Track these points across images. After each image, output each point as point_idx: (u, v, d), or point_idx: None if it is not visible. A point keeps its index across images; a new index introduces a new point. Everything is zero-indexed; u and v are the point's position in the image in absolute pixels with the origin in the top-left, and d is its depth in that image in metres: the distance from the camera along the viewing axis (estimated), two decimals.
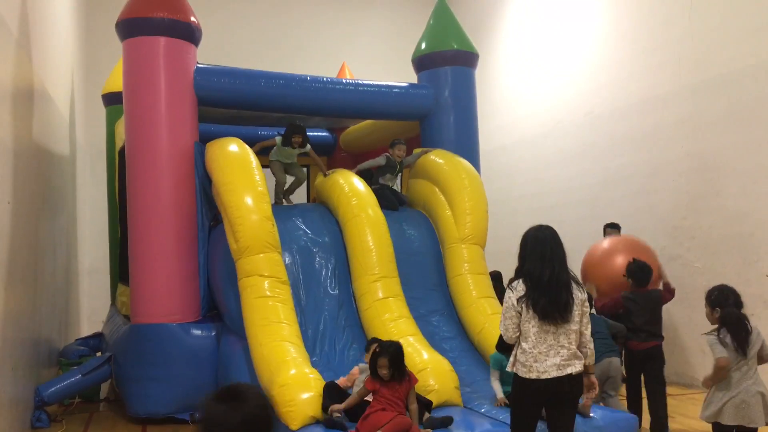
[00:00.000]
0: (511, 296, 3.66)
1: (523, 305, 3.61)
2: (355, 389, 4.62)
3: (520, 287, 3.66)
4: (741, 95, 6.61)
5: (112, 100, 8.71)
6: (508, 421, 4.16)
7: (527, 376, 3.58)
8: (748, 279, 6.35)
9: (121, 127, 7.07)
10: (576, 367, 3.60)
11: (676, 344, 7.20)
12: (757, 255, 6.39)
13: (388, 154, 7.03)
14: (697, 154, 7.10)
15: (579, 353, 3.66)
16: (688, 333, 6.77)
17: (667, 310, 7.29)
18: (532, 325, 3.61)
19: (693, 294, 6.89)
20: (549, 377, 3.55)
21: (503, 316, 3.71)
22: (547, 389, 3.58)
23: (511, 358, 3.71)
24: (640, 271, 5.52)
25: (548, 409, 3.71)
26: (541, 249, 3.68)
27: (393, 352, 4.29)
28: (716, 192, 6.88)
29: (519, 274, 3.74)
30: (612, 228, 7.45)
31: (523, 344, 3.62)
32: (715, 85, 6.90)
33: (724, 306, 4.14)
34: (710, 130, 6.95)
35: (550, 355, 3.57)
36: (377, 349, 4.37)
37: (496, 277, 6.85)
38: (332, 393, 4.58)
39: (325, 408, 4.45)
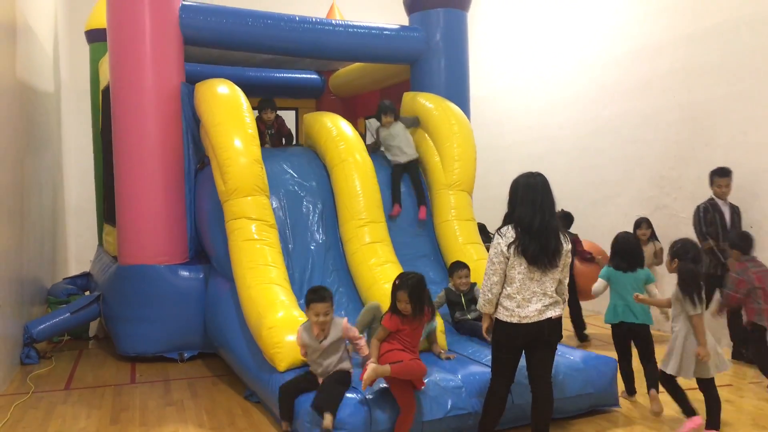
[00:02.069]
0: (500, 242, 3.71)
1: (512, 251, 3.66)
2: (364, 344, 4.28)
3: (509, 233, 3.71)
4: (735, 45, 6.54)
5: (95, 37, 8.51)
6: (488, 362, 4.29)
7: (509, 320, 3.68)
8: None
9: (105, 66, 6.93)
10: (555, 312, 3.72)
11: (661, 293, 7.32)
12: (742, 206, 6.44)
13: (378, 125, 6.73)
14: (688, 105, 7.07)
15: (559, 299, 3.75)
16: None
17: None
18: (518, 272, 3.68)
19: None
20: (530, 322, 3.66)
21: (490, 261, 3.76)
22: (528, 333, 3.69)
23: (488, 297, 3.78)
24: (744, 239, 5.37)
25: (527, 351, 3.82)
26: (532, 196, 3.72)
27: (413, 284, 3.88)
28: (705, 143, 6.88)
29: (508, 220, 3.79)
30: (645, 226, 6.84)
31: (508, 289, 3.70)
32: (710, 34, 6.82)
33: (683, 259, 4.23)
34: (702, 80, 6.91)
35: (533, 301, 3.68)
36: (397, 282, 3.94)
37: (480, 229, 6.83)
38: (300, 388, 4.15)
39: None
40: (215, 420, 4.62)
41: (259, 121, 6.87)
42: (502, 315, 3.72)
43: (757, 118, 6.33)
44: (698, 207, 6.30)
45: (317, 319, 4.05)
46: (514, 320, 3.67)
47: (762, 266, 5.24)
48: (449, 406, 4.12)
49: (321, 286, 4.25)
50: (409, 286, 3.87)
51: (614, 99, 8.08)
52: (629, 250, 4.94)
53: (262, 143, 6.48)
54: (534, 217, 3.67)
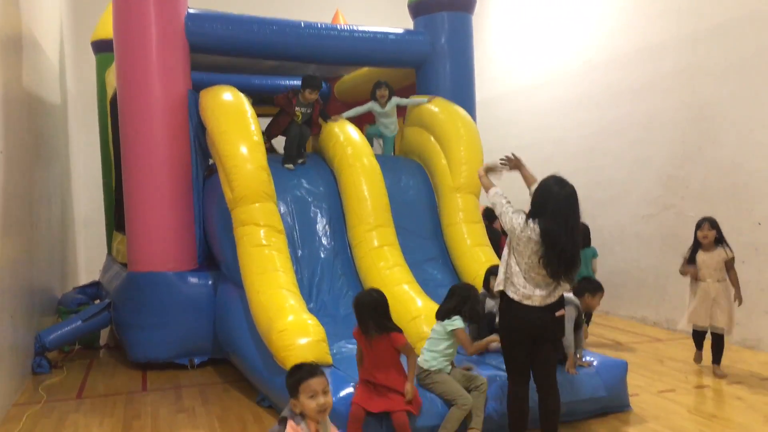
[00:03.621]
0: (519, 212, 3.80)
1: (525, 241, 3.69)
2: None
3: (532, 225, 3.68)
4: (739, 45, 6.53)
5: (102, 47, 8.56)
6: (502, 366, 4.28)
7: (515, 298, 3.74)
8: (740, 227, 6.40)
9: (112, 75, 6.97)
10: (559, 300, 3.79)
11: (666, 291, 7.31)
12: (750, 204, 6.43)
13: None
14: (694, 104, 7.06)
15: (562, 288, 3.81)
16: (680, 280, 6.84)
17: (660, 257, 7.40)
18: (524, 262, 3.73)
19: (687, 242, 6.95)
20: (534, 305, 3.72)
21: (501, 204, 3.92)
22: (534, 321, 3.73)
23: (500, 276, 3.85)
24: None
25: (532, 349, 3.82)
26: (564, 209, 3.67)
27: (359, 302, 3.93)
28: (712, 142, 6.87)
29: (530, 217, 3.76)
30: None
31: (515, 267, 3.76)
32: (714, 34, 6.81)
33: None
34: (708, 79, 6.90)
35: (536, 290, 3.73)
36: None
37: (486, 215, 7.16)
38: None
39: None
40: (227, 426, 4.62)
41: (292, 97, 6.55)
42: (510, 292, 3.76)
43: (763, 116, 6.31)
44: None
45: (315, 402, 2.81)
46: (518, 298, 3.72)
47: None
48: None
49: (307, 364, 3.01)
50: (356, 304, 3.94)
51: (620, 100, 8.07)
52: None
53: (285, 123, 6.56)
54: (561, 234, 3.62)
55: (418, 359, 4.24)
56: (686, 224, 7.10)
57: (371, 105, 7.03)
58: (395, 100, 7.03)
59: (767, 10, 6.28)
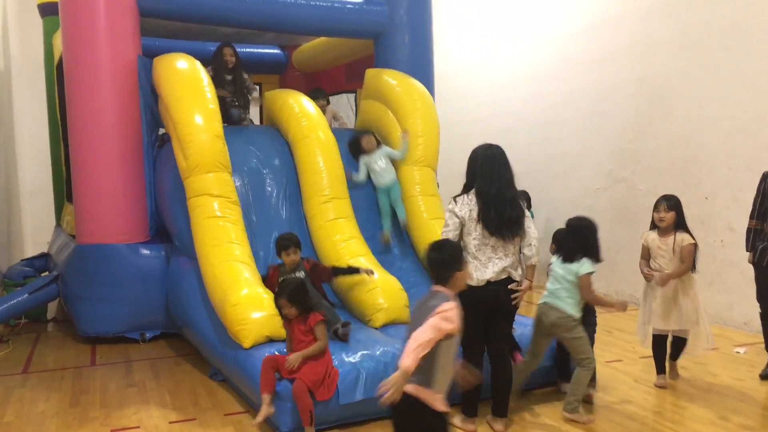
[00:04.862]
0: (454, 206, 3.88)
1: (468, 216, 3.80)
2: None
3: (465, 200, 3.84)
4: (693, 19, 6.63)
5: (48, 10, 8.22)
6: None
7: (468, 283, 3.72)
8: (688, 201, 6.44)
9: (59, 40, 6.70)
10: (515, 273, 3.86)
11: (617, 263, 7.48)
12: (698, 178, 6.59)
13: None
14: (647, 78, 7.16)
15: (517, 261, 3.89)
16: (630, 253, 7.01)
17: (611, 230, 7.56)
18: (473, 237, 3.82)
19: (637, 215, 7.13)
20: (483, 284, 3.79)
21: (445, 224, 3.92)
22: (488, 297, 3.80)
23: None
24: None
25: (486, 322, 3.90)
26: (489, 167, 3.84)
27: (291, 290, 3.95)
28: (662, 116, 6.99)
29: (466, 189, 3.92)
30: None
31: (466, 254, 3.79)
32: (668, 8, 6.89)
33: None
34: (661, 54, 7.00)
35: (489, 266, 3.81)
36: (277, 291, 4.07)
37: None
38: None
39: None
40: (178, 400, 4.57)
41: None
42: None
43: (713, 91, 6.45)
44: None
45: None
46: (473, 283, 3.76)
47: None
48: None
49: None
50: (286, 293, 3.93)
51: (575, 72, 8.14)
52: None
53: None
54: (491, 186, 3.79)
55: (559, 304, 4.09)
56: (636, 198, 7.27)
57: (364, 161, 6.14)
58: (386, 150, 6.17)
59: None
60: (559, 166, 8.41)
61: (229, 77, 6.62)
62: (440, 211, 6.22)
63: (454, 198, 3.93)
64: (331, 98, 7.76)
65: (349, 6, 6.97)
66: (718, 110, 6.41)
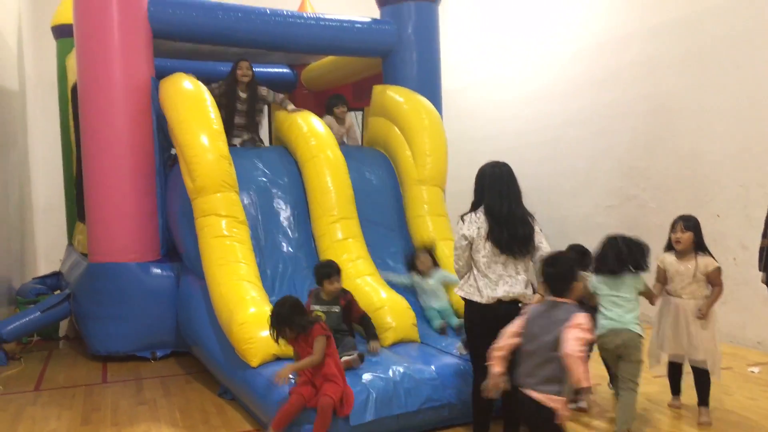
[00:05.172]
0: (462, 226, 3.85)
1: (477, 235, 3.77)
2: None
3: (473, 218, 3.81)
4: (699, 37, 6.64)
5: (63, 32, 8.35)
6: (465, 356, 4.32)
7: (478, 300, 3.78)
8: (699, 219, 6.48)
9: (72, 61, 6.81)
10: (527, 292, 3.82)
11: None
12: (709, 195, 6.56)
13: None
14: (655, 96, 7.16)
15: (527, 280, 3.86)
16: None
17: None
18: (482, 255, 3.78)
19: (648, 233, 7.05)
20: (494, 302, 3.75)
21: (455, 246, 3.90)
22: (497, 313, 3.74)
23: (461, 283, 3.91)
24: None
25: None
26: (498, 185, 3.82)
27: (273, 319, 3.95)
28: (672, 133, 6.98)
29: (474, 207, 3.89)
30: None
31: (475, 272, 3.81)
32: (675, 26, 6.90)
33: None
34: (668, 71, 7.00)
35: (499, 284, 3.77)
36: (272, 317, 4.01)
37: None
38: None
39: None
40: (189, 418, 4.58)
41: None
42: (473, 295, 3.80)
43: (723, 108, 6.43)
44: None
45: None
46: (483, 300, 3.75)
47: None
48: (424, 398, 4.13)
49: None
50: (272, 321, 3.93)
51: (582, 91, 8.15)
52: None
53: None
54: (502, 205, 3.77)
55: (624, 327, 4.01)
56: (647, 215, 7.24)
57: (414, 279, 5.60)
58: (442, 274, 5.51)
59: (724, 2, 6.38)
60: (568, 184, 8.40)
61: (243, 95, 6.62)
62: (448, 231, 6.22)
63: (462, 217, 3.91)
64: None
65: (358, 25, 7.04)
66: (728, 127, 6.39)
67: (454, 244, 3.92)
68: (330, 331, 4.01)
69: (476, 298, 3.78)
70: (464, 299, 3.90)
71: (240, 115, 6.63)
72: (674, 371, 4.61)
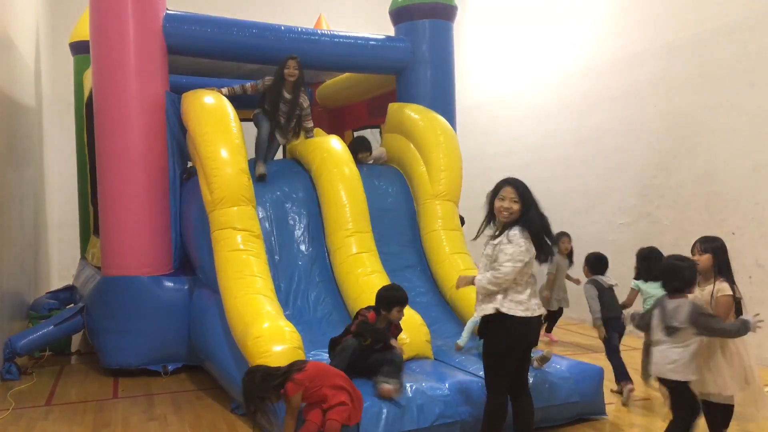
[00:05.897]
0: (520, 242, 3.65)
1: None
2: None
3: (526, 234, 3.68)
4: (714, 55, 6.63)
5: (80, 49, 8.47)
6: (479, 372, 4.27)
7: (524, 315, 3.64)
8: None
9: (88, 77, 6.88)
10: (542, 308, 3.80)
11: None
12: (723, 213, 6.50)
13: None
14: (670, 114, 7.14)
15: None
16: None
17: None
18: (531, 270, 3.75)
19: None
20: (535, 315, 3.71)
21: (517, 260, 3.60)
22: (534, 330, 3.73)
23: (501, 300, 3.65)
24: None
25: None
26: (532, 198, 3.77)
27: (248, 393, 3.85)
28: (687, 151, 6.95)
29: (520, 222, 3.73)
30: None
31: (518, 287, 3.67)
32: (689, 44, 6.90)
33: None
34: (683, 89, 6.98)
35: (533, 296, 3.75)
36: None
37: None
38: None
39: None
40: None
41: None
42: (517, 311, 3.63)
43: (738, 126, 6.40)
44: None
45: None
46: (528, 314, 3.65)
47: None
48: (437, 415, 4.08)
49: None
50: (255, 395, 3.84)
51: (597, 109, 8.14)
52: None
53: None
54: (543, 217, 3.75)
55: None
56: (662, 233, 7.18)
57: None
58: None
59: (738, 21, 6.38)
60: (582, 202, 8.36)
61: (288, 95, 6.43)
62: (462, 245, 6.20)
63: (506, 234, 3.67)
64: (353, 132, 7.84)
65: (372, 42, 7.08)
66: (742, 145, 6.35)
67: (515, 257, 3.59)
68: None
69: (523, 313, 3.64)
70: (505, 315, 3.64)
71: (282, 115, 6.55)
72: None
